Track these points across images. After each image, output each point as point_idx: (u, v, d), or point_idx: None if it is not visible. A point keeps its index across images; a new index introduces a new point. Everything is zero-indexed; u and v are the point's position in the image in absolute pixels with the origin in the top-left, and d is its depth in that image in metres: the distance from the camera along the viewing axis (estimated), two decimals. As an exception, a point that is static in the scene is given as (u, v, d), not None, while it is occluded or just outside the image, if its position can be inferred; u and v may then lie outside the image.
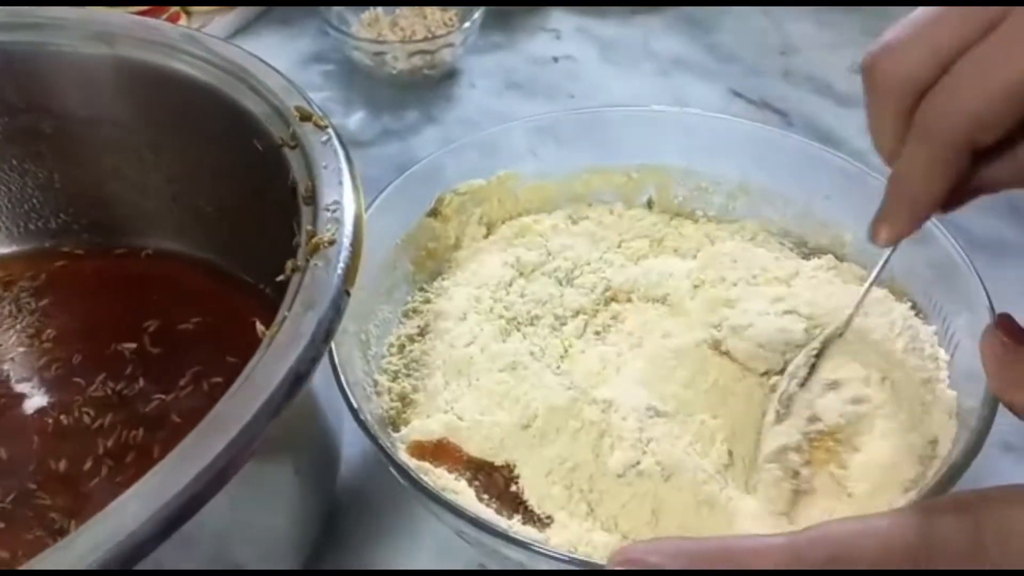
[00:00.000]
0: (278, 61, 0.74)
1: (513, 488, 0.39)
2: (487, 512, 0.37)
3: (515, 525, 0.37)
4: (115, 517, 0.25)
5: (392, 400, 0.43)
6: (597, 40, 0.78)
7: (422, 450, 0.41)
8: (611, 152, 0.53)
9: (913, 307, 0.45)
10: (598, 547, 0.36)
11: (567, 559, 0.33)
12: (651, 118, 0.53)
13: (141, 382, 0.45)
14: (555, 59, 0.76)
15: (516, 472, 0.39)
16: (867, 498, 0.37)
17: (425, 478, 0.36)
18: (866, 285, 0.42)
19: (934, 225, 0.44)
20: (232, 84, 0.41)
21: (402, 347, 0.46)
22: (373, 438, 0.36)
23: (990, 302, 0.40)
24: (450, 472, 0.40)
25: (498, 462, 0.40)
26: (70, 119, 0.47)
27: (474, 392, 0.42)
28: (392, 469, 0.36)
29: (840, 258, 0.49)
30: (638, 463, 0.38)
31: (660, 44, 0.77)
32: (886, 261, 0.40)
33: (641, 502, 0.37)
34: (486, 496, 0.39)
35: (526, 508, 0.39)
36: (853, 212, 0.49)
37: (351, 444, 0.43)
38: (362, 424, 0.37)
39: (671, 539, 0.30)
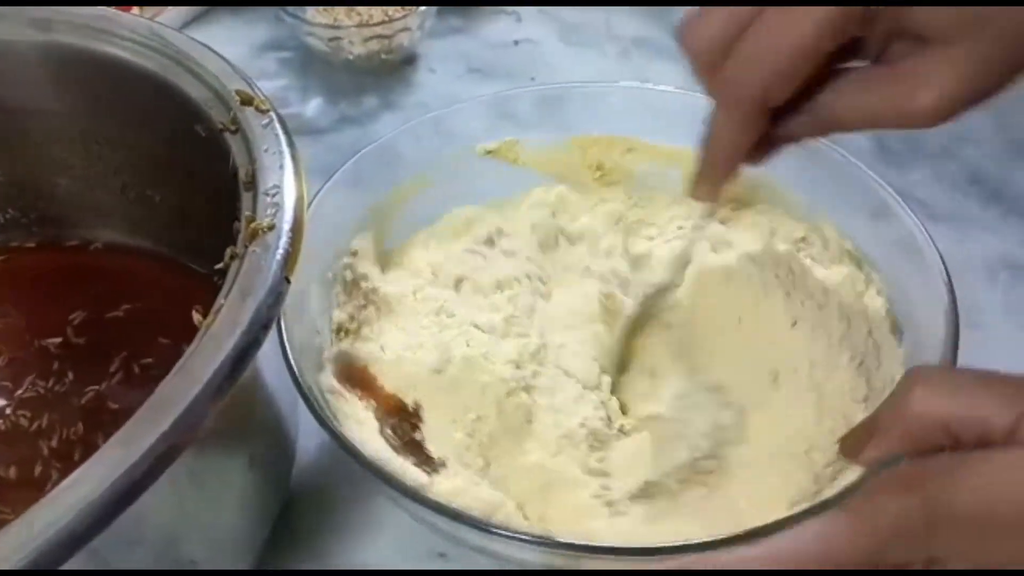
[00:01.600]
0: (233, 49, 0.73)
1: (417, 436, 0.40)
2: (446, 503, 0.37)
3: (406, 466, 0.38)
4: (47, 511, 0.25)
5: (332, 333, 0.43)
6: (558, 22, 0.77)
7: (347, 374, 0.41)
8: (571, 130, 0.52)
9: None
10: (478, 501, 0.36)
11: (532, 539, 0.33)
12: (610, 95, 0.52)
13: (71, 376, 0.44)
14: (516, 42, 0.75)
15: (423, 415, 0.40)
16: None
17: (382, 465, 0.36)
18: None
19: (896, 202, 0.44)
20: (171, 69, 0.39)
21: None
22: (321, 419, 0.36)
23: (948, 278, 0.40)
24: (361, 400, 0.40)
25: (408, 401, 0.41)
26: (11, 110, 0.46)
27: (400, 332, 0.43)
28: (343, 449, 0.35)
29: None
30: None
31: (622, 25, 0.77)
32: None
33: (532, 472, 0.37)
34: (390, 433, 0.40)
35: (424, 453, 0.39)
36: (815, 187, 0.49)
37: (306, 435, 0.43)
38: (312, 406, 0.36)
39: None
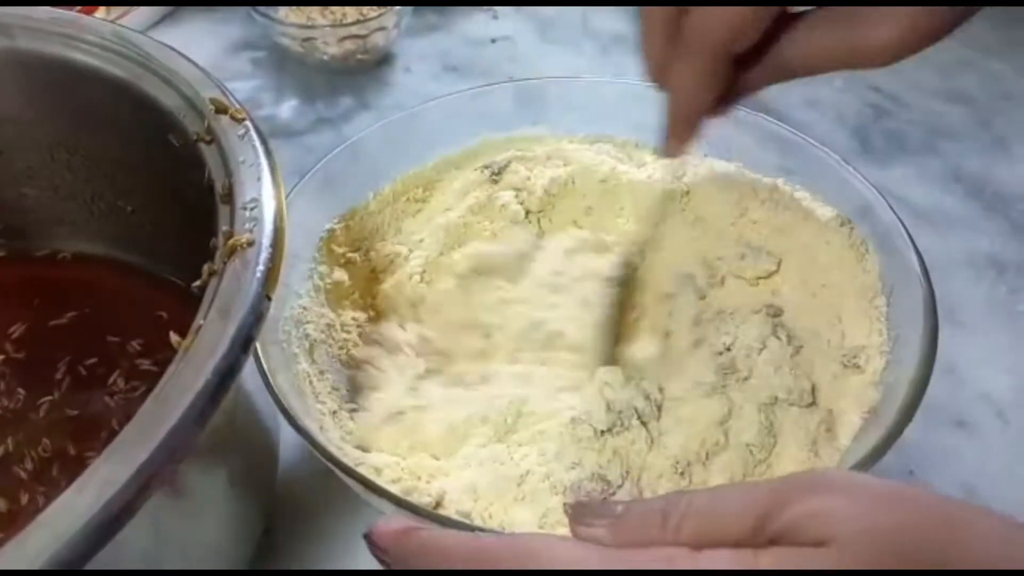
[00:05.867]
0: (205, 49, 0.71)
1: None
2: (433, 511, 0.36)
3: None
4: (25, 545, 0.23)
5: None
6: (535, 19, 0.76)
7: None
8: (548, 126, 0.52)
9: None
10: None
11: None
12: (586, 89, 0.52)
13: (22, 392, 0.42)
14: (493, 40, 0.74)
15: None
16: None
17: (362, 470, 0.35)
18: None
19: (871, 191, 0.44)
20: (141, 75, 0.38)
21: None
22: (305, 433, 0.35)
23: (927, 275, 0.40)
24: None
25: None
26: (-28, 119, 0.44)
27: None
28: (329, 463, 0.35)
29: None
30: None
31: (599, 22, 0.76)
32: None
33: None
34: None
35: None
36: (800, 183, 0.48)
37: (288, 449, 0.41)
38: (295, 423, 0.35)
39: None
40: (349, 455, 0.37)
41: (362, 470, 0.35)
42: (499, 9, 0.77)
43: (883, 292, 0.42)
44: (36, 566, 0.23)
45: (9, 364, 0.44)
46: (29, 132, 0.44)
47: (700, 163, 0.49)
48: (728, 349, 0.42)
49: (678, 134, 0.38)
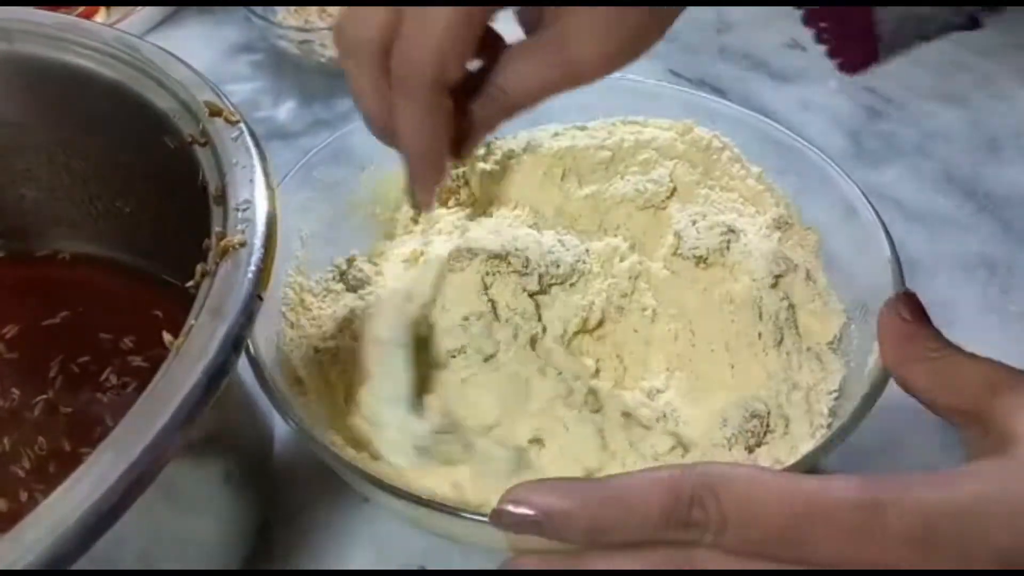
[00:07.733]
0: (205, 52, 0.72)
1: None
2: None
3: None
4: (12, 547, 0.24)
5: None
6: (532, 21, 0.76)
7: None
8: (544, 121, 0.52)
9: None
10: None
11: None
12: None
13: (16, 392, 0.43)
14: (489, 42, 0.74)
15: None
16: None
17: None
18: None
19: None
20: (137, 79, 0.38)
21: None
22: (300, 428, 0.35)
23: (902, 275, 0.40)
24: None
25: None
26: (-28, 122, 0.45)
27: None
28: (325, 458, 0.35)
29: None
30: None
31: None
32: None
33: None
34: None
35: None
36: (790, 183, 0.48)
37: (283, 447, 0.42)
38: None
39: (560, 481, 0.30)
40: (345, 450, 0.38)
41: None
42: (495, 11, 0.77)
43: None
44: (30, 559, 0.23)
45: (3, 364, 0.44)
46: (28, 134, 0.45)
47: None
48: None
49: (421, 183, 0.36)
